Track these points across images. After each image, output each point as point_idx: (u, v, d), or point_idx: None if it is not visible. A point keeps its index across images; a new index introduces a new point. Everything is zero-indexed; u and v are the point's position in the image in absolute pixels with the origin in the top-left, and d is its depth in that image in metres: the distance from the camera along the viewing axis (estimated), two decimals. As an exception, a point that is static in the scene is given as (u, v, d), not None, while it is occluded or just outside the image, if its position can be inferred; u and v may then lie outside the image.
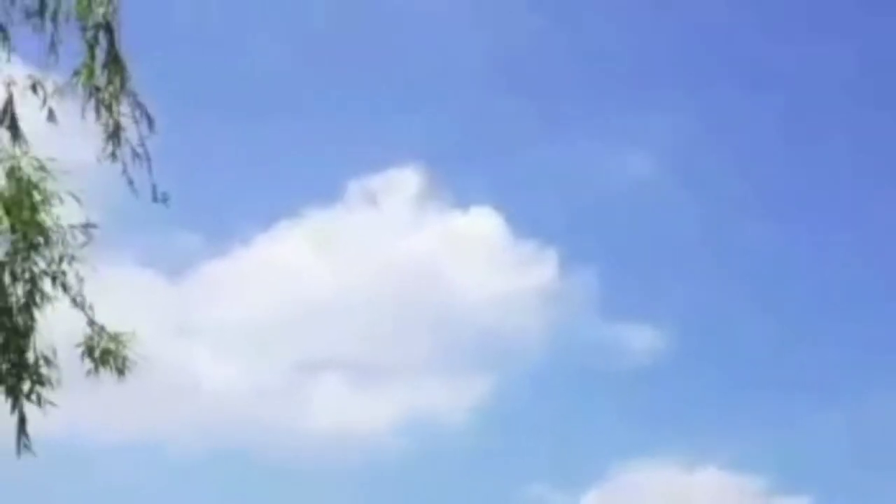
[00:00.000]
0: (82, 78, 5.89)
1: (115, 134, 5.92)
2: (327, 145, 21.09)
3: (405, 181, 21.36)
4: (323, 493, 19.01)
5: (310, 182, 21.15)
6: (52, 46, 5.91)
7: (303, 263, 20.99)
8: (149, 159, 5.88)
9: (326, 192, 20.99)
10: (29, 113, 5.96)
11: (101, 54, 5.88)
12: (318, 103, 21.34)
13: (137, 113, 5.91)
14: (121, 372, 5.92)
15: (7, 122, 5.96)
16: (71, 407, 5.87)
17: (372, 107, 21.66)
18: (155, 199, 5.87)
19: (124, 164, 5.89)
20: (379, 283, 21.06)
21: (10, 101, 5.96)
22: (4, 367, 5.83)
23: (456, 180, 21.28)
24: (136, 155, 5.88)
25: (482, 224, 21.49)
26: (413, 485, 19.92)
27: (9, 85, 5.97)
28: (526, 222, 21.15)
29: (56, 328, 5.88)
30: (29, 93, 5.94)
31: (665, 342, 21.09)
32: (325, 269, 21.16)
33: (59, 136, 5.99)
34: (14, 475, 5.82)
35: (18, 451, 5.85)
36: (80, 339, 5.91)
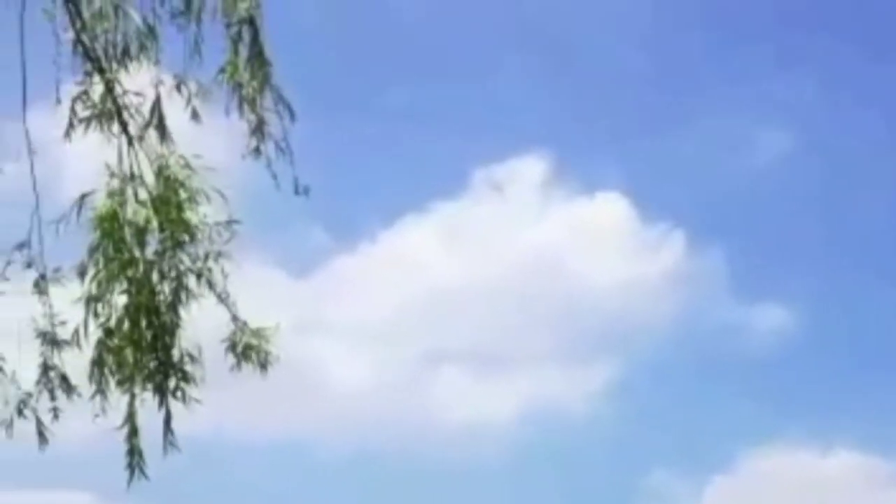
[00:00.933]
0: (227, 74, 5.90)
1: (258, 129, 5.92)
2: (451, 137, 20.90)
3: (531, 169, 21.36)
4: (451, 487, 18.87)
5: (434, 175, 21.12)
6: (196, 46, 5.95)
7: (428, 257, 21.02)
8: (291, 153, 5.90)
9: (451, 183, 20.95)
10: (174, 113, 5.99)
11: (244, 50, 5.90)
12: (441, 95, 21.12)
13: (280, 107, 5.91)
14: (263, 367, 5.87)
15: (155, 122, 5.98)
16: (212, 405, 5.80)
17: (495, 96, 21.47)
18: (297, 193, 5.87)
19: (268, 159, 5.90)
20: (504, 272, 21.02)
21: (157, 102, 5.98)
22: (152, 364, 5.79)
23: (582, 166, 21.18)
24: (279, 149, 5.90)
25: (609, 209, 21.42)
26: (537, 474, 19.82)
27: (157, 86, 6.00)
28: (654, 206, 21.02)
29: (200, 325, 5.83)
30: (174, 93, 5.97)
31: (795, 323, 20.71)
32: (450, 262, 21.18)
33: (202, 135, 6.00)
34: (161, 473, 5.74)
35: (165, 450, 5.79)
36: (222, 336, 5.86)
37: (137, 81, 5.98)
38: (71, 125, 5.93)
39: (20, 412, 5.89)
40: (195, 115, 5.96)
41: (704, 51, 21.92)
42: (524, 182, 21.13)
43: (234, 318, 5.90)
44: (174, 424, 5.77)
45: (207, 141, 6.07)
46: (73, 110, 5.93)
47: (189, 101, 5.94)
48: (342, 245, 20.25)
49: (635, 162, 21.43)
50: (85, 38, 5.94)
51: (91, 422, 5.78)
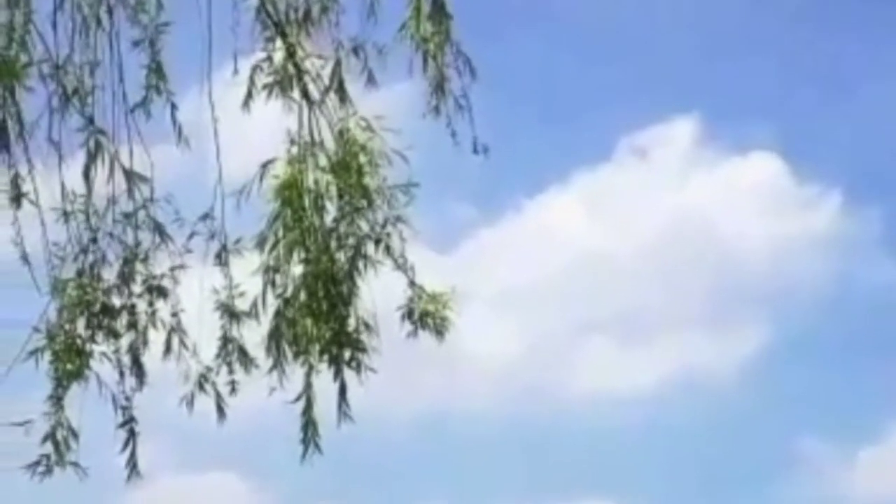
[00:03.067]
0: (409, 31, 5.63)
1: (439, 87, 5.62)
2: (594, 105, 19.92)
3: (678, 133, 20.20)
4: (598, 455, 18.14)
5: (578, 144, 20.13)
6: (371, 8, 5.73)
7: (573, 226, 20.28)
8: (471, 110, 5.57)
9: (596, 152, 19.98)
10: (352, 76, 5.77)
11: (425, 5, 5.61)
12: (583, 63, 20.20)
13: (460, 63, 5.59)
14: (439, 333, 5.49)
15: (335, 85, 5.77)
16: (383, 375, 5.48)
17: (639, 61, 20.37)
18: (475, 152, 5.61)
19: (448, 118, 5.59)
20: (650, 239, 20.07)
21: (338, 64, 5.77)
22: (327, 335, 5.52)
23: (733, 127, 19.74)
24: (458, 107, 5.58)
25: (761, 170, 20.06)
26: (683, 441, 18.83)
27: (337, 48, 5.80)
28: (808, 165, 19.41)
29: (373, 293, 5.55)
30: (352, 56, 5.76)
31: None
32: (595, 230, 20.37)
33: (380, 97, 5.75)
34: (332, 445, 5.45)
35: (339, 421, 5.50)
36: (397, 304, 5.54)
37: (318, 45, 5.80)
38: (250, 94, 5.78)
39: (201, 387, 5.74)
40: (371, 78, 5.72)
41: (865, 12, 20.14)
42: (671, 146, 19.89)
43: (412, 284, 5.56)
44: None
45: (384, 105, 5.82)
46: (252, 79, 5.78)
47: (366, 63, 5.71)
48: (486, 218, 19.66)
49: (789, 121, 19.84)
50: (268, 3, 5.81)
51: (267, 396, 5.55)
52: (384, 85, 5.75)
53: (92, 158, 5.92)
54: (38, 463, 5.67)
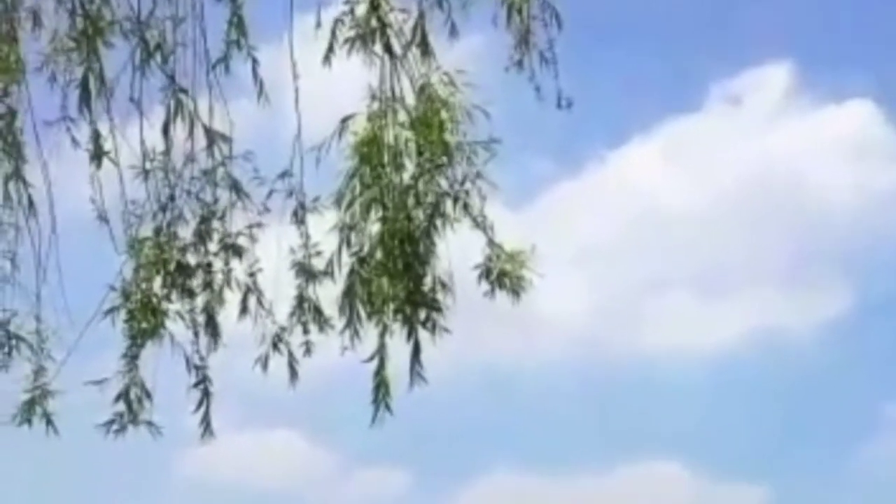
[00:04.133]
0: (496, -17, 5.44)
1: (523, 40, 5.40)
2: (686, 52, 19.05)
3: (771, 80, 19.23)
4: (674, 412, 17.36)
5: (666, 92, 19.27)
6: None
7: (655, 179, 19.42)
8: (556, 63, 5.34)
9: (684, 100, 19.14)
10: (435, 29, 5.58)
11: (513, -47, 5.41)
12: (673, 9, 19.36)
13: (547, 14, 5.37)
14: (516, 293, 5.26)
15: (418, 39, 5.58)
16: (454, 334, 5.29)
17: (735, 6, 19.48)
18: (559, 106, 5.39)
19: (532, 71, 5.37)
20: (736, 191, 19.22)
21: (421, 17, 5.59)
22: (402, 294, 5.33)
23: (829, 74, 18.78)
24: (543, 60, 5.36)
25: (856, 118, 18.96)
26: (759, 401, 18.04)
27: (420, 2, 5.62)
28: None
29: (450, 252, 5.35)
30: (436, 8, 5.57)
31: None
32: (678, 183, 19.53)
33: (458, 47, 5.56)
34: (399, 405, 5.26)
35: (411, 382, 5.31)
36: (473, 262, 5.33)
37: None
38: (331, 48, 5.62)
39: (275, 346, 5.60)
40: (454, 31, 5.53)
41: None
42: (763, 94, 18.92)
43: (491, 243, 5.34)
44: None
45: (462, 56, 5.61)
46: (333, 32, 5.62)
47: (449, 15, 5.52)
48: (566, 171, 18.89)
49: (888, 69, 18.78)
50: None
51: (339, 356, 5.38)
52: (463, 36, 5.54)
53: (172, 116, 5.84)
54: (112, 421, 5.61)
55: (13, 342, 5.91)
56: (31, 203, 5.99)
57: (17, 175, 6.01)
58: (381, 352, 5.35)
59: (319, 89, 5.77)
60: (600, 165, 19.76)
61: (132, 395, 5.63)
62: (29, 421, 5.74)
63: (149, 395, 5.62)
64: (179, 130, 5.82)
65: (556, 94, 5.37)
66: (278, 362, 5.55)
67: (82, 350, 5.73)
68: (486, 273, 5.31)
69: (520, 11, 5.45)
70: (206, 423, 5.61)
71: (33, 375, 5.82)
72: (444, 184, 5.41)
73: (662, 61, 19.33)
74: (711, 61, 19.25)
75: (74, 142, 5.92)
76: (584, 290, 18.45)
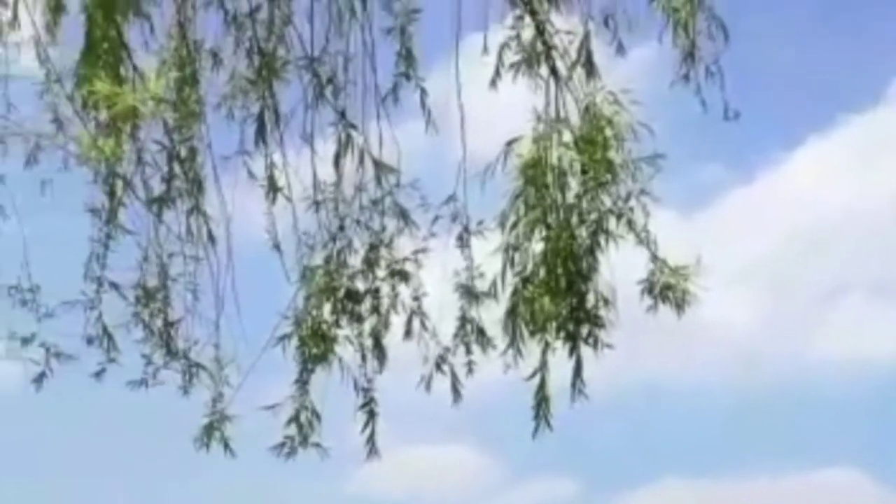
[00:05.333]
0: (661, 1, 5.41)
1: (690, 54, 5.34)
2: (866, 47, 17.79)
3: None
4: (848, 423, 16.15)
5: (844, 88, 18.03)
6: None
7: (832, 180, 18.07)
8: (722, 76, 5.27)
9: (864, 96, 17.81)
10: (600, 48, 5.56)
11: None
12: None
13: (712, 28, 5.30)
14: (679, 307, 5.13)
15: (583, 60, 5.57)
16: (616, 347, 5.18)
17: None
18: (726, 118, 5.33)
19: (698, 84, 5.30)
20: None
21: (586, 37, 5.58)
22: (565, 311, 5.26)
23: None
24: (709, 73, 5.29)
25: None
26: None
27: (586, 21, 5.62)
28: None
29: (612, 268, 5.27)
30: (602, 28, 5.56)
31: None
32: (857, 184, 18.07)
33: (621, 61, 5.52)
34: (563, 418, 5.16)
35: (573, 397, 5.21)
36: (636, 276, 5.23)
37: (566, 20, 5.64)
38: (498, 72, 5.66)
39: (438, 367, 5.59)
40: (621, 49, 5.50)
41: None
42: None
43: (654, 258, 5.23)
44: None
45: (625, 69, 5.58)
46: (500, 57, 5.66)
47: (615, 34, 5.50)
48: (738, 176, 17.92)
49: None
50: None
51: (503, 374, 5.33)
52: (628, 52, 5.51)
53: (343, 149, 5.95)
54: (283, 444, 5.68)
55: (194, 369, 6.04)
56: (210, 236, 6.15)
57: (197, 209, 6.19)
58: (542, 369, 5.28)
59: (485, 113, 5.80)
60: (775, 169, 19.23)
61: (302, 419, 5.69)
62: (207, 445, 5.84)
63: (318, 418, 5.67)
64: (348, 162, 5.93)
65: (722, 105, 5.28)
66: (442, 382, 5.53)
67: (256, 375, 5.82)
68: (649, 288, 5.21)
69: (686, 26, 5.39)
70: (371, 442, 5.63)
71: (212, 401, 5.93)
72: (607, 201, 5.35)
73: (836, 58, 18.64)
74: (891, 55, 18.50)
75: (251, 175, 6.07)
76: (752, 300, 17.92)
